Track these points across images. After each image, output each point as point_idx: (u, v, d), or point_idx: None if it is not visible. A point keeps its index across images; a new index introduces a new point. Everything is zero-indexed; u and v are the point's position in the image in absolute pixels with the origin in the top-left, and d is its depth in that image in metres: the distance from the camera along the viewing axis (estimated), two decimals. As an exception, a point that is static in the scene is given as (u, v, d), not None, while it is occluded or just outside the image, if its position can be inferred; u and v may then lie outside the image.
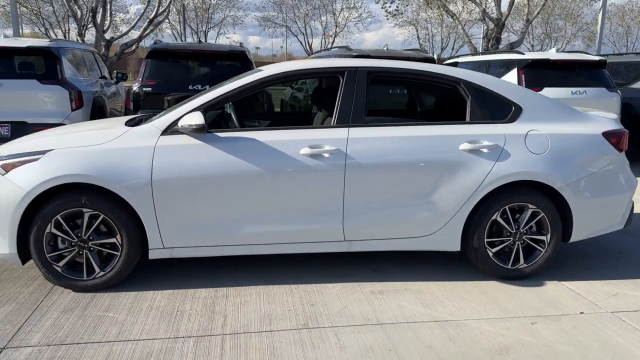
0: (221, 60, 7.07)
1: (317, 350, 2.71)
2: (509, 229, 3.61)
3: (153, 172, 3.27)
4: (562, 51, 9.06)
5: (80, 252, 3.36)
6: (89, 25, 19.01)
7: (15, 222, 3.24)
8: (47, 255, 3.32)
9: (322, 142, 3.40)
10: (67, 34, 30.40)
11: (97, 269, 3.38)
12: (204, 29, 35.12)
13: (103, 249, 3.38)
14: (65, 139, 3.41)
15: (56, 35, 29.19)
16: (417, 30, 37.81)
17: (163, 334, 2.87)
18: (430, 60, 7.48)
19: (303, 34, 36.00)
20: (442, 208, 3.51)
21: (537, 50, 33.63)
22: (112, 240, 3.36)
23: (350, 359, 2.64)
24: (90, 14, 14.56)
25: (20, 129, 6.35)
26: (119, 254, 3.37)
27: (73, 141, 3.37)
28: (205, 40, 34.91)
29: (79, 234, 3.33)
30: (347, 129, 3.47)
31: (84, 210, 3.29)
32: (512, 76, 7.80)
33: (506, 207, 3.58)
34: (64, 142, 3.37)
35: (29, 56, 6.74)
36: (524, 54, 8.03)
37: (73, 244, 3.34)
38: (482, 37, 15.72)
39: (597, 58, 7.79)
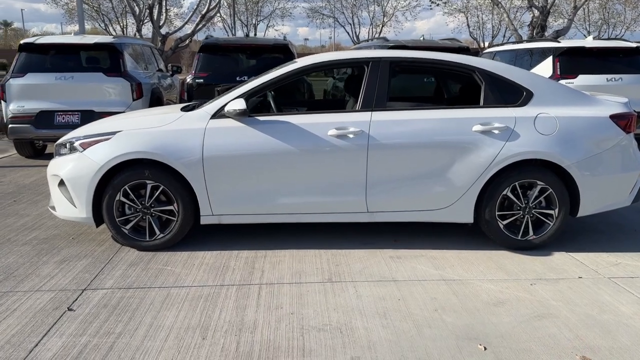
0: (266, 52, 7.63)
1: (338, 297, 3.22)
2: (519, 203, 3.97)
3: (204, 150, 3.85)
4: (601, 38, 9.09)
5: (144, 217, 3.99)
6: (146, 21, 20.14)
7: (91, 191, 3.90)
8: (117, 220, 3.97)
9: (347, 125, 3.87)
10: (124, 30, 31.98)
11: (157, 232, 4.00)
12: (253, 21, 36.04)
13: (162, 215, 4.00)
14: (131, 122, 4.04)
15: (115, 31, 30.77)
16: (467, 19, 37.31)
17: (211, 282, 3.45)
18: (464, 50, 7.77)
19: (350, 24, 36.28)
20: (456, 184, 3.92)
21: (596, 38, 32.46)
22: (170, 207, 3.97)
23: (364, 304, 3.13)
24: (147, 10, 15.52)
25: (88, 117, 7.14)
26: (175, 219, 3.99)
27: (137, 124, 4.00)
28: (255, 33, 35.81)
29: (143, 202, 3.97)
30: (370, 112, 3.93)
31: (147, 182, 3.92)
32: (547, 64, 7.98)
33: (516, 183, 3.94)
34: (130, 125, 4.00)
35: (96, 51, 7.53)
36: (560, 42, 8.17)
37: (138, 210, 3.98)
38: (528, 24, 15.60)
39: (634, 45, 7.84)
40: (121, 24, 31.99)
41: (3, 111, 7.49)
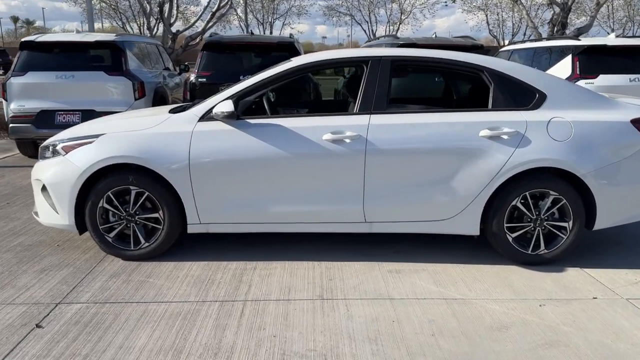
0: (271, 51, 7.40)
1: (327, 317, 2.96)
2: (530, 214, 3.67)
3: (190, 155, 3.62)
4: (625, 36, 8.66)
5: (128, 225, 3.78)
6: (157, 17, 20.05)
7: (73, 197, 3.70)
8: (100, 227, 3.77)
9: (343, 128, 3.61)
10: (142, 28, 32.11)
11: (142, 241, 3.79)
12: (269, 19, 35.89)
13: (148, 223, 3.79)
14: (115, 125, 3.83)
15: (132, 29, 30.86)
16: (486, 16, 36.67)
17: (193, 297, 3.22)
18: (478, 48, 7.44)
19: (367, 22, 35.90)
20: (460, 193, 3.63)
21: (619, 36, 31.60)
22: (156, 215, 3.76)
23: (354, 326, 2.86)
24: (158, 8, 15.44)
25: (89, 116, 6.96)
26: (161, 227, 3.77)
27: (121, 126, 3.79)
28: (271, 31, 35.66)
29: (127, 209, 3.75)
30: (368, 115, 3.66)
31: (131, 187, 3.70)
32: (566, 63, 7.59)
33: (527, 193, 3.63)
34: (114, 127, 3.79)
35: (97, 50, 7.37)
36: (580, 39, 7.78)
37: (122, 217, 3.77)
38: (548, 22, 15.12)
39: (659, 43, 7.42)
40: (138, 22, 32.12)
41: (4, 110, 7.38)
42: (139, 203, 3.74)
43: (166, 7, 15.03)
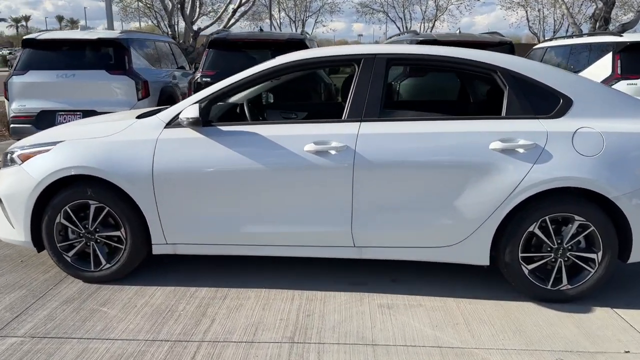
0: (280, 48, 6.90)
1: (290, 369, 2.46)
2: (550, 243, 3.07)
3: (154, 166, 3.18)
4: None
5: (88, 244, 3.37)
6: (195, 17, 19.87)
7: (28, 211, 3.31)
8: (58, 245, 3.37)
9: (328, 138, 3.10)
10: (177, 25, 32.21)
11: (103, 261, 3.37)
12: (301, 17, 35.49)
13: (109, 242, 3.37)
14: (76, 130, 3.43)
15: (167, 27, 30.99)
16: (527, 13, 35.27)
17: (144, 335, 2.77)
18: (507, 45, 6.77)
19: (401, 18, 35.06)
20: (467, 215, 3.06)
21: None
22: (118, 233, 3.34)
23: (320, 384, 2.36)
24: (179, 5, 15.21)
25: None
26: (123, 247, 3.34)
27: (81, 133, 3.38)
28: (303, 29, 35.27)
29: (87, 226, 3.35)
30: (358, 123, 3.13)
31: (90, 202, 3.29)
32: (606, 62, 6.84)
33: (546, 217, 3.04)
34: (74, 134, 3.39)
35: (99, 48, 7.05)
36: (622, 35, 7.00)
37: (81, 235, 3.36)
38: (589, 17, 14.13)
39: None
40: (172, 21, 32.22)
41: (7, 110, 7.17)
42: (99, 219, 3.33)
43: (188, 4, 14.78)
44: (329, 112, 3.79)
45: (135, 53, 7.28)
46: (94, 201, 3.28)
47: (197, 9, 16.35)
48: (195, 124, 3.12)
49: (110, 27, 11.69)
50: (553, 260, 3.09)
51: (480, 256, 3.14)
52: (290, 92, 5.78)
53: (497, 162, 3.01)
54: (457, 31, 7.38)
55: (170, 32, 15.20)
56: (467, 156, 3.03)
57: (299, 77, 5.48)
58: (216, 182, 3.16)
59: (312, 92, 6.63)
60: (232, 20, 15.48)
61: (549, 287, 3.11)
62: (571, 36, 8.57)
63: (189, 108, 3.14)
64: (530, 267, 3.11)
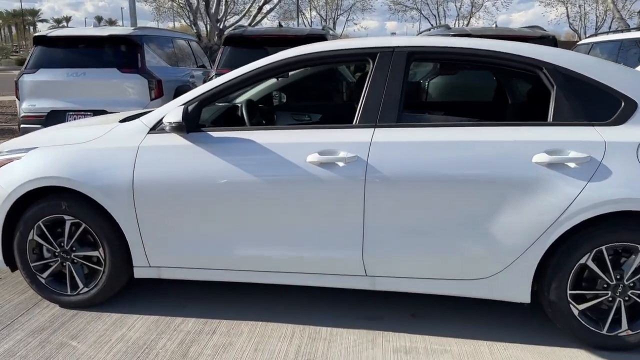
0: (300, 44, 6.43)
1: None
2: (607, 278, 2.49)
3: (135, 177, 2.75)
4: None
5: (64, 264, 2.97)
6: (221, 15, 19.63)
7: (-1, 226, 2.93)
8: (31, 264, 2.98)
9: (335, 147, 2.60)
10: (207, 25, 32.18)
11: (80, 284, 2.96)
12: (333, 16, 34.97)
13: (87, 263, 2.96)
14: (52, 136, 3.03)
15: (204, 27, 30.99)
16: (567, 9, 33.88)
17: (110, 380, 2.33)
18: (549, 39, 6.12)
19: (435, 16, 34.14)
20: (504, 243, 2.52)
21: None
22: (96, 253, 2.92)
23: None
24: (204, 3, 14.92)
25: (100, 117, 6.37)
26: (102, 269, 2.92)
27: (57, 138, 2.98)
28: (334, 28, 34.73)
29: (62, 244, 2.94)
30: (371, 129, 2.62)
31: (65, 217, 2.89)
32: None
33: (603, 247, 2.46)
34: (48, 139, 2.99)
35: (111, 45, 6.72)
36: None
37: (56, 254, 2.96)
38: (638, 11, 13.13)
39: None
40: (204, 21, 32.24)
41: (18, 109, 6.93)
42: (75, 237, 2.92)
43: (213, 2, 14.46)
44: (347, 115, 3.29)
45: (149, 50, 6.93)
46: (69, 216, 2.88)
47: (223, 7, 16.03)
48: (178, 129, 2.66)
49: (134, 24, 11.46)
50: (610, 299, 2.51)
51: (520, 292, 2.59)
52: (306, 93, 5.29)
53: (541, 178, 2.45)
54: (494, 25, 6.75)
55: (195, 30, 14.94)
56: (505, 171, 2.48)
57: (316, 75, 5.02)
58: (204, 197, 2.70)
59: (332, 93, 6.12)
60: (258, 18, 15.09)
61: (604, 331, 2.53)
62: (620, 31, 7.81)
63: (172, 111, 2.69)
64: (582, 307, 2.54)
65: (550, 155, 2.44)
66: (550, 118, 2.56)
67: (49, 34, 6.74)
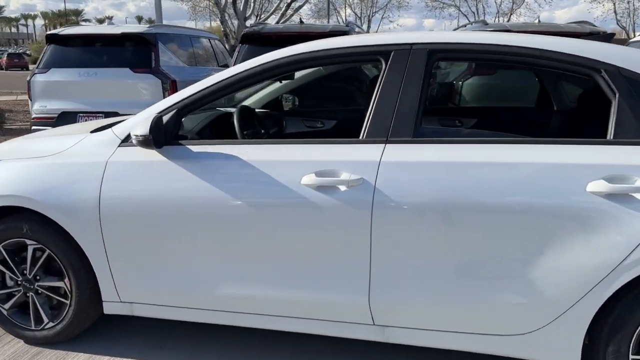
0: (322, 42, 5.96)
1: None
2: (682, 342, 1.93)
3: (102, 197, 2.33)
4: None
5: (27, 294, 2.59)
6: (249, 14, 19.36)
7: (-44, 250, 2.57)
8: (-8, 294, 2.61)
9: (337, 167, 2.11)
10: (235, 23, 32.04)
11: (45, 319, 2.57)
12: (368, 13, 34.33)
13: (52, 294, 2.56)
14: (14, 148, 2.65)
15: (234, 26, 30.92)
16: (614, 5, 32.30)
17: None
18: (600, 36, 5.43)
19: (474, 13, 33.02)
20: (549, 291, 1.98)
21: None
22: (61, 284, 2.52)
23: None
24: (231, 0, 14.60)
25: (112, 120, 6.07)
26: (69, 302, 2.52)
27: (19, 151, 2.59)
28: (369, 26, 34.12)
29: (25, 272, 2.56)
30: (381, 146, 2.12)
31: (27, 241, 2.50)
32: None
33: (679, 301, 1.90)
34: (9, 152, 2.61)
35: (124, 43, 6.40)
36: None
37: (19, 283, 2.58)
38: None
39: None
40: (225, 17, 32.08)
41: (30, 110, 6.71)
42: (39, 264, 2.53)
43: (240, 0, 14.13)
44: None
45: (164, 49, 6.59)
46: (31, 241, 2.49)
47: (252, 5, 15.69)
48: (145, 144, 2.22)
49: (159, 20, 11.23)
50: (685, 369, 1.95)
51: (567, 354, 2.04)
52: (322, 95, 4.79)
53: (599, 211, 1.90)
54: (536, 21, 6.11)
55: (223, 29, 14.66)
56: (551, 201, 1.94)
57: (334, 74, 4.52)
58: (180, 224, 2.26)
59: (352, 95, 5.60)
60: (287, 15, 14.68)
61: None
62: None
63: (141, 122, 2.26)
64: (648, 377, 1.98)
65: (610, 183, 1.89)
66: (610, 135, 2.00)
67: (61, 32, 6.48)
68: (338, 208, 2.09)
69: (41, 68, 6.43)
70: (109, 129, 2.48)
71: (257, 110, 3.50)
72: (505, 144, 2.06)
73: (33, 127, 6.46)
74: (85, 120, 6.28)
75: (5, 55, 42.46)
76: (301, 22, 7.00)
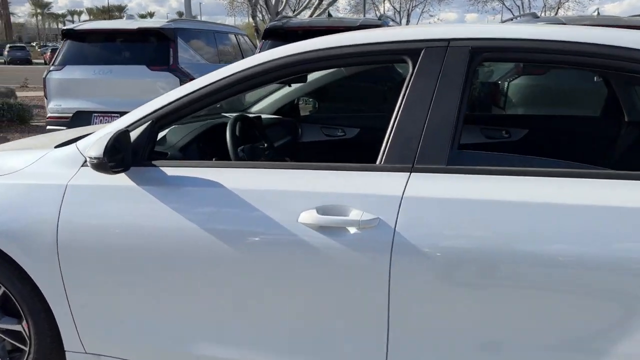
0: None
1: None
2: None
3: (59, 227, 1.90)
4: None
5: (-18, 337, 2.19)
6: (281, 8, 18.94)
7: None
8: (-55, 333, 2.23)
9: (344, 201, 1.60)
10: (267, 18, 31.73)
11: (1, 366, 2.18)
12: (407, 7, 33.45)
13: (9, 338, 2.16)
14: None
15: (266, 21, 30.65)
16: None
17: None
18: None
19: (519, 7, 31.68)
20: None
21: None
22: (18, 327, 2.11)
23: None
24: (264, -5, 14.22)
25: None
26: (27, 349, 2.11)
27: (-26, 167, 2.18)
28: (408, 21, 33.26)
29: (-22, 310, 2.16)
30: (405, 175, 1.60)
31: (-21, 276, 2.10)
32: None
33: None
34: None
35: (141, 39, 6.05)
36: None
37: (-28, 323, 2.19)
38: None
39: None
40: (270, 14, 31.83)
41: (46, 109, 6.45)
42: (-7, 303, 2.12)
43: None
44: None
45: (184, 45, 6.20)
46: (-17, 275, 2.08)
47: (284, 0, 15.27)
48: (99, 168, 1.76)
49: (188, 15, 10.93)
50: None
51: None
52: (347, 98, 4.25)
53: None
54: (594, 13, 5.41)
55: (254, 24, 14.32)
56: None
57: (364, 73, 3.98)
58: (150, 265, 1.80)
59: (386, 98, 5.05)
60: (320, 9, 14.19)
61: None
62: None
63: (98, 140, 1.80)
64: None
65: None
66: None
67: (77, 27, 6.19)
68: (345, 257, 1.59)
69: (57, 65, 6.15)
70: (73, 145, 2.05)
71: (264, 117, 3.04)
72: (571, 177, 1.51)
73: (48, 127, 6.20)
74: (100, 121, 5.96)
75: (49, 51, 43.57)
76: (329, 15, 6.49)
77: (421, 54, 1.67)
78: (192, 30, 6.57)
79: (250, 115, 2.82)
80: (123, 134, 1.79)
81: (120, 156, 1.78)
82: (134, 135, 1.86)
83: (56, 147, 2.14)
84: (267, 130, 2.87)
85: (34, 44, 61.55)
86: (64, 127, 6.04)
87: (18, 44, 43.02)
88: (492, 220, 1.49)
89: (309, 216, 1.61)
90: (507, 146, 2.87)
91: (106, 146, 1.70)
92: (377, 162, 1.64)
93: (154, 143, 1.93)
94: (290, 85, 3.01)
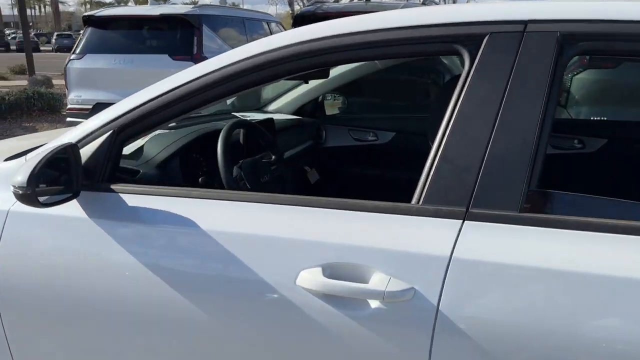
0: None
1: None
2: None
3: (-2, 268, 1.47)
4: None
5: None
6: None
7: None
8: None
9: (362, 260, 1.09)
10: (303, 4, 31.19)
11: None
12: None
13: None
14: None
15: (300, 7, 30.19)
16: None
17: None
18: None
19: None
20: None
21: None
22: (-40, 380, 1.71)
23: None
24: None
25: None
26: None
27: None
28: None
29: None
30: (456, 224, 1.06)
31: None
32: None
33: None
34: None
35: (164, 26, 5.68)
36: None
37: None
38: None
39: None
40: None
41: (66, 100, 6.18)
42: None
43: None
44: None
45: (209, 33, 5.78)
46: None
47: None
48: (24, 199, 1.30)
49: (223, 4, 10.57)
50: None
51: None
52: (381, 96, 3.65)
53: None
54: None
55: (290, 12, 13.80)
56: None
57: (405, 64, 3.39)
58: (105, 319, 1.35)
59: (428, 93, 4.43)
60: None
61: None
62: None
63: (26, 164, 1.33)
64: None
65: None
66: None
67: (97, 14, 5.85)
68: (361, 342, 1.08)
69: (77, 53, 5.84)
70: (23, 157, 1.60)
71: (282, 117, 2.55)
72: None
73: (68, 119, 5.92)
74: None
75: (95, 39, 44.36)
76: (367, 0, 5.92)
77: (483, 43, 1.13)
78: (219, 17, 6.13)
79: (259, 117, 2.33)
80: (67, 150, 1.33)
81: (62, 179, 1.32)
82: (87, 150, 1.40)
83: (6, 160, 1.70)
84: (283, 134, 2.38)
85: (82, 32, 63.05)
86: (83, 120, 5.76)
87: (65, 32, 43.94)
88: (591, 305, 0.95)
89: (311, 277, 1.11)
90: (582, 161, 2.29)
91: (32, 171, 1.24)
92: (414, 201, 1.12)
93: (116, 160, 1.46)
94: (307, 82, 2.50)
